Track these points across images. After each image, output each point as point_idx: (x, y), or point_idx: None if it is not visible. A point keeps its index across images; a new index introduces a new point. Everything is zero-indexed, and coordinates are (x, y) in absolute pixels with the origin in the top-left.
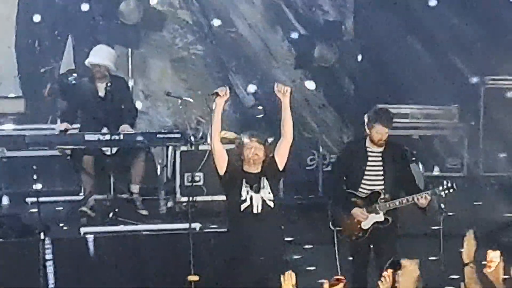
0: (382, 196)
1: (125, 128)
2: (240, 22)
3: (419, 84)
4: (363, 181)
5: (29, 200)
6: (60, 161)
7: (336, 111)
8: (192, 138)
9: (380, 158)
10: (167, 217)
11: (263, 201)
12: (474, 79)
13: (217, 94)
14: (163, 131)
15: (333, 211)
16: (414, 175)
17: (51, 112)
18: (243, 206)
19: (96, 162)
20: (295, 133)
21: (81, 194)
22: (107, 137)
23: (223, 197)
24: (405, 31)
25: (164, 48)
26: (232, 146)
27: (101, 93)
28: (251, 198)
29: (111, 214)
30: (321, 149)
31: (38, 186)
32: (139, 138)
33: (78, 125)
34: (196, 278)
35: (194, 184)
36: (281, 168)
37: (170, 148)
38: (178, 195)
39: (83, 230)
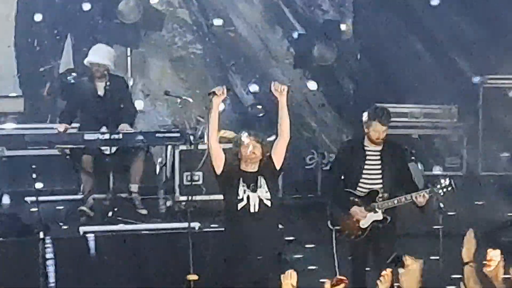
0: (380, 195)
1: (124, 128)
2: (240, 22)
3: (418, 83)
4: (362, 180)
5: (28, 199)
6: (60, 160)
7: (335, 111)
8: (191, 138)
9: (378, 157)
10: (166, 216)
11: (260, 200)
12: (474, 79)
13: (214, 93)
14: (162, 130)
15: (331, 210)
16: (413, 174)
17: (51, 112)
18: (240, 205)
19: (95, 162)
20: (294, 133)
21: (80, 193)
22: (107, 136)
23: (222, 197)
24: (404, 30)
25: (163, 48)
26: (231, 145)
27: (100, 92)
28: (248, 197)
29: (110, 214)
30: (320, 149)
31: (40, 185)
32: (138, 137)
33: (77, 124)
34: (195, 277)
35: (193, 183)
36: (278, 167)
37: (170, 147)
38: (177, 194)
39: (82, 229)
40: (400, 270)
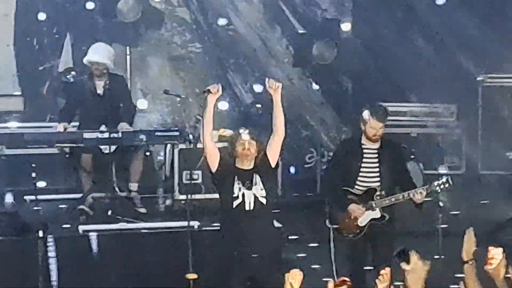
0: (378, 193)
1: (123, 126)
2: (239, 20)
3: (417, 82)
4: (359, 178)
5: (27, 198)
6: (60, 159)
7: (334, 109)
8: (191, 136)
9: (376, 155)
10: (166, 215)
11: (256, 198)
12: (473, 77)
13: (208, 91)
14: (161, 129)
15: (329, 209)
16: (412, 172)
17: (50, 110)
18: (235, 203)
19: (94, 160)
20: (294, 131)
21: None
22: (106, 135)
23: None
24: (403, 29)
25: (163, 46)
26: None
27: (100, 91)
28: (243, 195)
29: (109, 212)
30: (319, 147)
31: (42, 183)
32: (138, 136)
33: (76, 123)
34: (194, 276)
35: (193, 182)
36: (273, 164)
37: (169, 146)
38: (176, 193)
39: (81, 228)
40: (404, 265)
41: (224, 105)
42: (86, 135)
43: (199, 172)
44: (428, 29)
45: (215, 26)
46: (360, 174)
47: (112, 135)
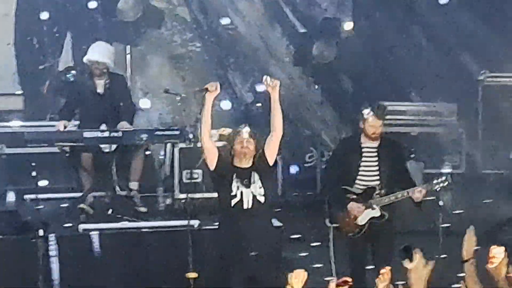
0: (377, 192)
1: (123, 125)
2: (239, 19)
3: (418, 81)
4: (358, 177)
5: (27, 197)
6: (61, 158)
7: (334, 109)
8: (191, 135)
9: (375, 154)
10: (166, 214)
11: (254, 196)
12: (473, 76)
13: (206, 89)
14: (162, 128)
15: (329, 208)
16: (411, 172)
17: (50, 109)
18: (233, 202)
19: (94, 159)
20: (294, 130)
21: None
22: (106, 134)
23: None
24: (404, 28)
25: (163, 45)
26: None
27: (100, 90)
28: (241, 194)
29: (110, 211)
30: (319, 147)
31: (45, 182)
32: (138, 135)
33: (77, 122)
34: (195, 275)
35: (193, 181)
36: (271, 163)
37: (169, 145)
38: (176, 192)
39: (81, 227)
40: (406, 263)
41: (227, 105)
42: (86, 134)
43: (199, 171)
44: (429, 28)
45: (215, 25)
46: (359, 173)
47: (112, 134)
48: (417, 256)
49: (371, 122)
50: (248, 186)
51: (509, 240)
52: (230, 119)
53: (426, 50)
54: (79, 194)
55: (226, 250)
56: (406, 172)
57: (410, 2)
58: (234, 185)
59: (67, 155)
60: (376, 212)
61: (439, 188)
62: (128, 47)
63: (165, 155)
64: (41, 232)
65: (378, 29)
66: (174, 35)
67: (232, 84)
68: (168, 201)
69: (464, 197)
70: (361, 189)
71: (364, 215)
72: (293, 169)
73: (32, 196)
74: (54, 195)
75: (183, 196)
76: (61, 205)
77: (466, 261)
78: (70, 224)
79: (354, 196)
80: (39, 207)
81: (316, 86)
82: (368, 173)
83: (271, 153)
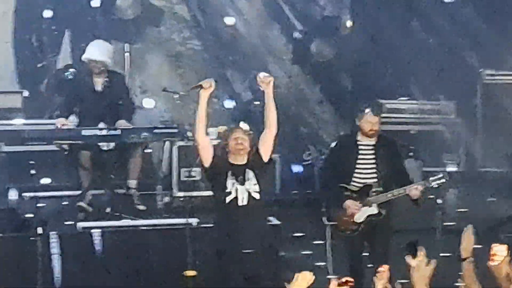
0: (374, 189)
1: (122, 124)
2: (238, 18)
3: (417, 79)
4: (355, 175)
5: (26, 195)
6: (61, 156)
7: (333, 107)
8: (189, 133)
9: (372, 151)
10: (164, 212)
11: (249, 193)
12: (473, 74)
13: (201, 86)
14: (160, 126)
15: (326, 206)
16: (410, 169)
17: (49, 107)
18: (228, 199)
19: (93, 157)
20: (292, 128)
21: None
22: (104, 132)
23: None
24: (403, 26)
25: (162, 44)
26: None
27: (98, 88)
28: (236, 190)
29: (108, 209)
30: (318, 145)
31: (47, 180)
32: (136, 133)
33: (75, 120)
34: (193, 273)
35: (191, 179)
36: (265, 160)
37: (167, 143)
38: (175, 190)
39: (80, 225)
40: (409, 260)
41: (230, 104)
42: (85, 132)
43: (198, 169)
44: (428, 26)
45: (214, 24)
46: (356, 170)
47: (110, 132)
48: (421, 254)
49: (368, 118)
50: (242, 183)
51: (509, 239)
52: (230, 117)
53: (426, 48)
54: (78, 192)
55: (221, 247)
56: (403, 169)
57: (412, 1)
58: (229, 182)
59: (65, 153)
60: (373, 210)
61: (436, 185)
62: (126, 45)
63: (163, 153)
64: (40, 230)
65: (377, 27)
66: (173, 33)
67: (231, 82)
68: (167, 199)
69: (464, 196)
70: (358, 186)
71: (361, 212)
72: (296, 169)
73: (31, 194)
74: (53, 193)
75: (181, 194)
76: (61, 204)
77: (464, 259)
78: (69, 222)
79: (351, 194)
80: (38, 205)
81: (315, 84)
82: (365, 171)
83: (266, 150)
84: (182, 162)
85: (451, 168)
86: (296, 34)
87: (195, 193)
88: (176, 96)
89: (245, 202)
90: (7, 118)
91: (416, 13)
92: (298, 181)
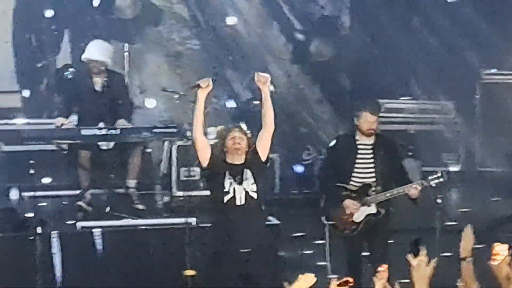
0: (373, 189)
1: (121, 123)
2: (237, 17)
3: (416, 78)
4: (354, 174)
5: (25, 194)
6: (59, 155)
7: (332, 106)
8: (189, 133)
9: (370, 151)
10: (164, 211)
11: (246, 192)
12: (472, 74)
13: (199, 86)
14: (159, 125)
15: (325, 205)
16: (409, 169)
17: (48, 107)
18: (226, 198)
19: (92, 157)
20: (292, 128)
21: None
22: (104, 131)
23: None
24: (402, 25)
25: (161, 43)
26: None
27: (98, 87)
28: (234, 190)
29: (107, 209)
30: (317, 144)
31: (48, 180)
32: (136, 133)
33: (75, 119)
34: (192, 272)
35: (190, 178)
36: (263, 159)
37: (167, 142)
38: (174, 189)
39: (79, 224)
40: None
41: (232, 103)
42: (84, 132)
43: (197, 168)
44: (427, 25)
45: (213, 23)
46: (355, 170)
47: (110, 132)
48: (421, 254)
49: (366, 118)
50: (240, 183)
51: (509, 238)
52: (229, 117)
53: (425, 48)
54: (77, 192)
55: (219, 247)
56: (402, 169)
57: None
58: (227, 181)
59: (65, 152)
60: (372, 209)
61: (434, 184)
62: (126, 45)
63: (162, 152)
64: (39, 230)
65: (376, 26)
66: (172, 33)
67: (230, 82)
68: (166, 198)
69: (466, 196)
70: (357, 186)
71: (360, 212)
72: (299, 169)
73: (31, 193)
74: (52, 192)
75: (180, 193)
76: (61, 203)
77: (464, 259)
78: (68, 222)
79: (350, 193)
80: (38, 204)
81: (314, 84)
82: (364, 170)
83: (263, 149)
84: (181, 162)
85: (452, 168)
86: (300, 36)
87: (194, 193)
88: (176, 96)
89: (243, 202)
90: (6, 117)
91: (416, 12)
92: (297, 181)
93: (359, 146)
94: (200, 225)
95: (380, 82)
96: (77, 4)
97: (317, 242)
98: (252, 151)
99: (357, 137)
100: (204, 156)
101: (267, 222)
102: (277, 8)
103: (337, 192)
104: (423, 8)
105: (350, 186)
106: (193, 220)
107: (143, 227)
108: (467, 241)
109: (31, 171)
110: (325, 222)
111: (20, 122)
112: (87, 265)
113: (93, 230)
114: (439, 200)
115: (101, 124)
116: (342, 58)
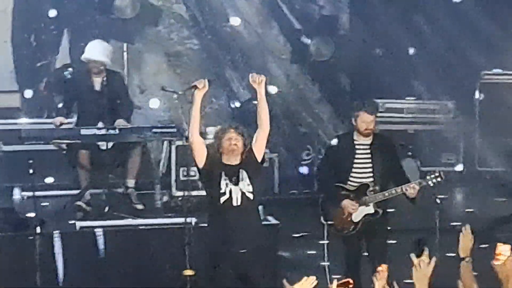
0: (371, 188)
1: (120, 123)
2: (236, 17)
3: (415, 78)
4: (352, 174)
5: (24, 194)
6: (59, 155)
7: (332, 106)
8: (188, 133)
9: (368, 151)
10: (163, 211)
11: (242, 193)
12: (471, 74)
13: (195, 86)
14: (159, 125)
15: (324, 205)
16: (408, 169)
17: (47, 107)
18: (222, 199)
19: (91, 157)
20: (291, 128)
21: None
22: (103, 131)
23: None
24: (401, 25)
25: (160, 43)
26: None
27: (97, 87)
28: (230, 191)
29: (107, 209)
30: (316, 144)
31: (50, 179)
32: (135, 132)
33: (74, 119)
34: (191, 272)
35: (190, 178)
36: (259, 159)
37: (166, 142)
38: (173, 189)
39: (79, 224)
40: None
41: (236, 103)
42: (83, 132)
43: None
44: (427, 25)
45: (212, 23)
46: (353, 169)
47: (109, 132)
48: (424, 254)
49: (363, 117)
50: (236, 183)
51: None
52: (227, 116)
53: (424, 48)
54: (76, 192)
55: (216, 248)
56: (400, 168)
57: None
58: (223, 182)
59: (64, 152)
60: (370, 209)
61: (432, 184)
62: (125, 44)
63: (162, 152)
64: (38, 229)
65: (375, 26)
66: (171, 33)
67: (229, 82)
68: (165, 198)
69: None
70: (355, 186)
71: (358, 212)
72: (303, 170)
73: (30, 193)
74: (55, 192)
75: (180, 193)
76: (60, 203)
77: (463, 259)
78: (68, 222)
79: (348, 193)
80: (42, 204)
81: (314, 83)
82: (362, 170)
83: (259, 149)
84: (180, 162)
85: (452, 168)
86: (306, 40)
87: (193, 193)
88: (175, 95)
89: (239, 203)
90: (6, 117)
91: (415, 12)
92: (297, 180)
93: (357, 146)
94: (199, 225)
95: (380, 82)
96: (77, 4)
97: (316, 242)
98: (248, 152)
99: (355, 137)
100: (200, 157)
101: (266, 222)
102: (276, 8)
103: (335, 192)
104: (423, 7)
105: (348, 186)
106: (192, 220)
107: (142, 227)
108: (465, 242)
109: (30, 171)
110: (324, 222)
111: (19, 121)
112: (87, 265)
113: (95, 230)
114: (438, 200)
115: (100, 124)
116: (341, 58)
